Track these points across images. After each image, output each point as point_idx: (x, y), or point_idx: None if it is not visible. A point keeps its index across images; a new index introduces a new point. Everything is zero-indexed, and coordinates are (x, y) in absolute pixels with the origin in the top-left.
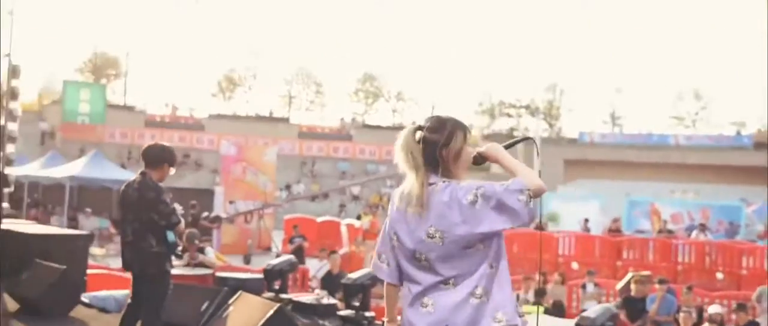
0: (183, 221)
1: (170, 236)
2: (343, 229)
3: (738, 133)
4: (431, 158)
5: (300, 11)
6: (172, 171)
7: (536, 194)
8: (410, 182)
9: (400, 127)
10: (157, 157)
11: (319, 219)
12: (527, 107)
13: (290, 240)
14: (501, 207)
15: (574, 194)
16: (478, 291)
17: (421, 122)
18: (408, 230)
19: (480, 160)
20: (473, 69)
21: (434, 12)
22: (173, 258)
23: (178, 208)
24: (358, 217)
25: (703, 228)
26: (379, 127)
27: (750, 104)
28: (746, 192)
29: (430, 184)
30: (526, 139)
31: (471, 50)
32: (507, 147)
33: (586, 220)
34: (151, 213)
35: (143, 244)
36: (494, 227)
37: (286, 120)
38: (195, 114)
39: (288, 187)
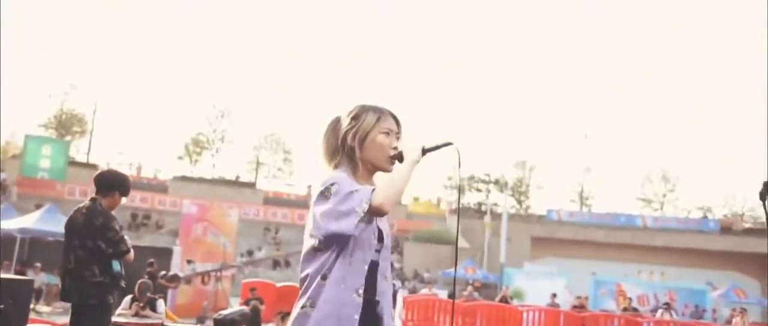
0: (132, 251)
1: (116, 266)
2: None
3: (704, 217)
4: (337, 145)
5: (272, 76)
6: (123, 200)
7: (373, 210)
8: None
9: None
10: (108, 183)
11: (279, 285)
12: (496, 182)
13: (246, 303)
14: (338, 211)
15: (541, 271)
16: (307, 301)
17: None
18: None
19: (397, 158)
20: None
21: (411, 81)
22: (117, 291)
23: (129, 241)
24: None
25: (668, 307)
26: None
27: (717, 189)
28: (712, 277)
29: None
30: (447, 144)
31: (442, 121)
32: (428, 150)
33: (554, 295)
34: (98, 240)
35: (86, 273)
36: (317, 229)
37: (252, 185)
38: (160, 175)
39: (250, 253)
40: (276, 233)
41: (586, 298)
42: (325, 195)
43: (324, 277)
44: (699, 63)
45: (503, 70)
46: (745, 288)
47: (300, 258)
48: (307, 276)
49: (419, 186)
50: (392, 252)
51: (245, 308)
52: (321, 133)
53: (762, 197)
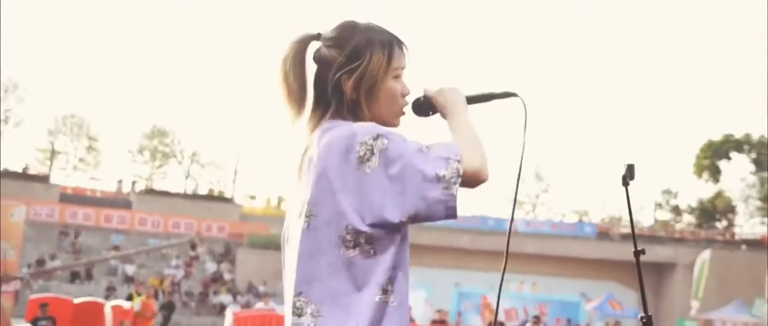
0: None
1: None
2: (108, 312)
3: (580, 221)
4: (323, 89)
5: (74, 43)
6: None
7: (470, 177)
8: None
9: (193, 196)
10: None
11: (77, 300)
12: None
13: (33, 323)
14: (407, 181)
15: None
16: None
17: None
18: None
19: (424, 109)
20: (285, 132)
21: (249, 59)
22: None
23: None
24: (129, 297)
25: (537, 321)
26: (167, 194)
27: (594, 191)
28: (587, 287)
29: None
30: (507, 95)
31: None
32: (473, 100)
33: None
34: None
35: None
36: (388, 213)
37: (45, 178)
38: None
39: (40, 263)
40: (76, 238)
41: (448, 313)
42: (364, 157)
43: (385, 292)
44: (577, 47)
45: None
46: (621, 300)
47: (290, 269)
48: (330, 295)
49: (254, 181)
50: (222, 261)
51: None
52: (280, 71)
53: (625, 182)
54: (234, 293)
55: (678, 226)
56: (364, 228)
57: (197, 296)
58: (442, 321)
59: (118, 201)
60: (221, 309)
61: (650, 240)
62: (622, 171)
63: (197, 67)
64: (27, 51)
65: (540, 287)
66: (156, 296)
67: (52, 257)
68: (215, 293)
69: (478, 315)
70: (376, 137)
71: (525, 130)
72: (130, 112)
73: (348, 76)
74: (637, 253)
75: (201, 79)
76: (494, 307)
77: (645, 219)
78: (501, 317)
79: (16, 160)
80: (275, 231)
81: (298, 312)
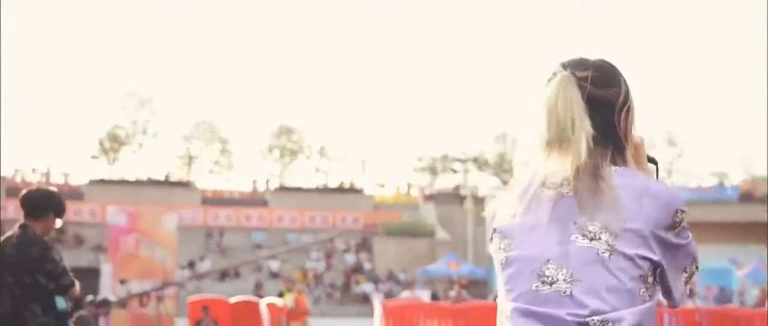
0: (77, 283)
1: (60, 302)
2: (263, 309)
3: (720, 184)
4: (606, 130)
5: (197, 54)
6: (59, 222)
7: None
8: (561, 160)
9: (325, 189)
10: (40, 204)
11: (233, 300)
12: (475, 160)
13: (197, 325)
14: (682, 269)
15: None
16: None
17: (563, 63)
18: (530, 224)
19: (651, 160)
20: (409, 119)
21: (361, 53)
22: None
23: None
24: (281, 294)
25: (690, 293)
26: (299, 190)
27: (732, 151)
28: (734, 253)
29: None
30: (652, 161)
31: (406, 97)
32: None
33: None
34: (36, 274)
35: (26, 314)
36: (671, 283)
37: (186, 184)
38: (71, 180)
39: (191, 265)
40: (220, 238)
41: None
42: (678, 224)
43: None
44: (702, 11)
45: (474, 32)
46: None
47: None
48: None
49: (384, 170)
50: (360, 251)
51: None
52: (550, 108)
53: None
54: (375, 281)
55: None
56: (652, 278)
57: (340, 287)
58: None
59: (254, 200)
60: (364, 298)
61: None
62: None
63: (317, 65)
64: (154, 65)
65: None
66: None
67: (201, 258)
68: (357, 283)
69: None
70: (684, 211)
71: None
72: (257, 113)
73: (625, 116)
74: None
75: (322, 77)
76: None
77: None
78: None
79: (157, 168)
80: (408, 218)
81: None
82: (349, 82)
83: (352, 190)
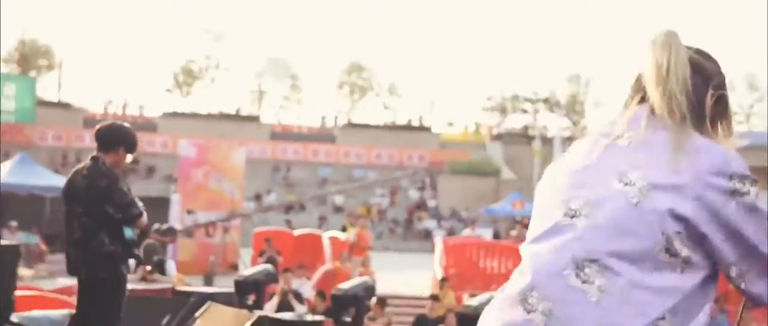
0: (145, 214)
1: (128, 232)
2: (326, 243)
3: None
4: (694, 96)
5: None
6: (130, 157)
7: None
8: (639, 110)
9: (393, 127)
10: (112, 138)
11: (297, 233)
12: (546, 101)
13: (260, 255)
14: (755, 246)
15: None
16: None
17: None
18: (579, 166)
19: None
20: (480, 57)
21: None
22: (133, 260)
23: (140, 204)
24: (343, 229)
25: None
26: (367, 126)
27: None
28: None
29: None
30: None
31: (477, 35)
32: None
33: None
34: (105, 204)
35: (94, 243)
36: (721, 253)
37: (256, 118)
38: (146, 112)
39: (258, 197)
40: (287, 172)
41: None
42: (735, 188)
43: (664, 315)
44: None
45: None
46: None
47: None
48: (627, 280)
49: (453, 109)
50: (424, 188)
51: (270, 267)
52: (664, 56)
53: None
54: (438, 219)
55: None
56: (691, 244)
57: (403, 222)
58: None
59: (322, 136)
60: (426, 234)
61: None
62: None
63: (388, 2)
64: (228, 0)
65: None
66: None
67: (268, 192)
68: (419, 219)
69: None
70: (754, 182)
71: None
72: (328, 51)
73: (715, 96)
74: None
75: (393, 14)
76: None
77: None
78: None
79: (228, 103)
80: (474, 157)
81: (584, 278)
82: (420, 19)
83: (420, 128)
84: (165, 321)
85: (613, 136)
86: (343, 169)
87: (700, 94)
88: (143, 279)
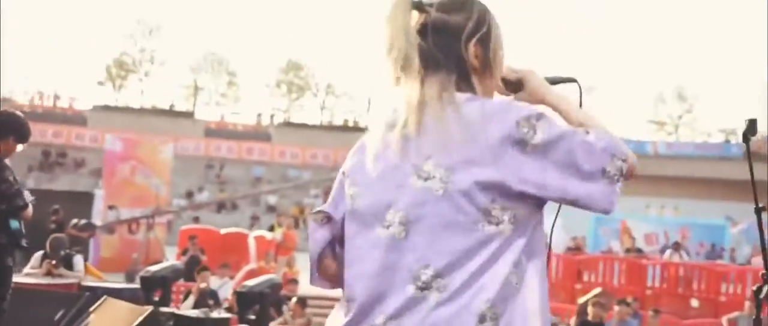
0: (31, 206)
1: (13, 224)
2: (251, 242)
3: (727, 141)
4: (448, 57)
5: None
6: (20, 147)
7: (630, 173)
8: (405, 93)
9: (329, 127)
10: (2, 127)
11: (223, 231)
12: None
13: (183, 253)
14: (570, 167)
15: None
16: (488, 309)
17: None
18: (373, 176)
19: (516, 85)
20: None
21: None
22: (17, 251)
23: (28, 195)
24: (271, 228)
25: (677, 247)
26: (304, 126)
27: (741, 108)
28: (734, 210)
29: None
30: (569, 80)
31: None
32: (553, 83)
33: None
34: None
35: None
36: (547, 191)
37: (190, 114)
38: (76, 105)
39: (189, 195)
40: (220, 170)
41: (584, 238)
42: (527, 135)
43: (516, 270)
44: None
45: None
46: None
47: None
48: (462, 269)
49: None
50: None
51: (178, 263)
52: (389, 30)
53: (745, 138)
54: None
55: None
56: (510, 204)
57: None
58: (578, 248)
59: (258, 134)
60: None
61: None
62: (745, 126)
63: (327, 1)
64: None
65: (683, 211)
66: (297, 225)
67: (200, 189)
68: None
69: (617, 240)
70: (539, 117)
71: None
72: (266, 48)
73: (476, 44)
74: (759, 210)
75: (331, 13)
76: (633, 232)
77: None
78: (641, 242)
79: (162, 97)
80: None
81: (423, 286)
82: (358, 19)
83: (356, 128)
84: (58, 315)
85: (399, 125)
86: (277, 168)
87: (453, 51)
88: (49, 273)
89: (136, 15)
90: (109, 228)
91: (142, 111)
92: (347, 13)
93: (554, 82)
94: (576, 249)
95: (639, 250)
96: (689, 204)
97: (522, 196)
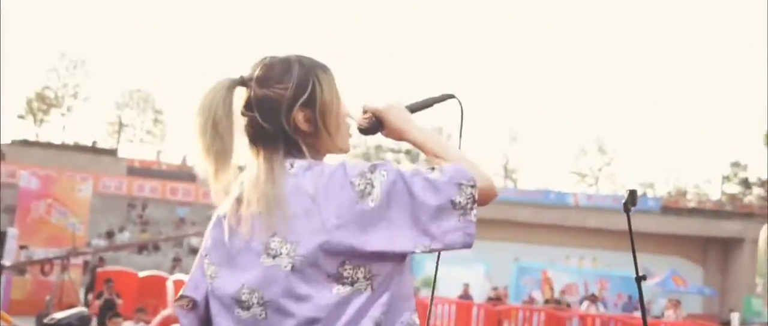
0: None
1: None
2: (170, 286)
3: (644, 195)
4: (275, 129)
5: (137, 17)
6: None
7: (485, 196)
8: (247, 169)
9: None
10: None
11: (142, 274)
12: (408, 153)
13: (98, 297)
14: (416, 212)
15: (456, 256)
16: None
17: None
18: (229, 254)
19: (373, 128)
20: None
21: (304, 34)
22: None
23: None
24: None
25: (593, 299)
26: None
27: (659, 163)
28: (650, 262)
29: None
30: (445, 97)
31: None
32: (415, 109)
33: (466, 285)
34: None
35: None
36: (397, 245)
37: (113, 152)
38: None
39: (110, 235)
40: (143, 210)
41: (506, 288)
42: (364, 191)
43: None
44: (640, 24)
45: (415, 21)
46: (685, 275)
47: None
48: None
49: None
50: None
51: (84, 309)
52: (204, 120)
53: (626, 208)
54: None
55: (747, 200)
56: (363, 262)
57: None
58: (499, 298)
59: (182, 174)
60: None
61: (717, 215)
62: (625, 197)
63: (256, 43)
64: (91, 28)
65: (601, 262)
66: None
67: (121, 229)
68: None
69: (538, 289)
70: (373, 169)
71: (461, 129)
72: (193, 86)
73: (301, 110)
74: (639, 279)
75: (259, 53)
76: (554, 282)
77: (712, 193)
78: (561, 293)
79: (85, 134)
80: None
81: None
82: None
83: None
84: None
85: (245, 203)
86: (201, 210)
87: (278, 123)
88: None
89: (60, 48)
90: (20, 269)
91: (63, 147)
92: (276, 47)
93: (429, 104)
94: (497, 299)
95: (557, 301)
96: (608, 256)
97: (375, 254)
